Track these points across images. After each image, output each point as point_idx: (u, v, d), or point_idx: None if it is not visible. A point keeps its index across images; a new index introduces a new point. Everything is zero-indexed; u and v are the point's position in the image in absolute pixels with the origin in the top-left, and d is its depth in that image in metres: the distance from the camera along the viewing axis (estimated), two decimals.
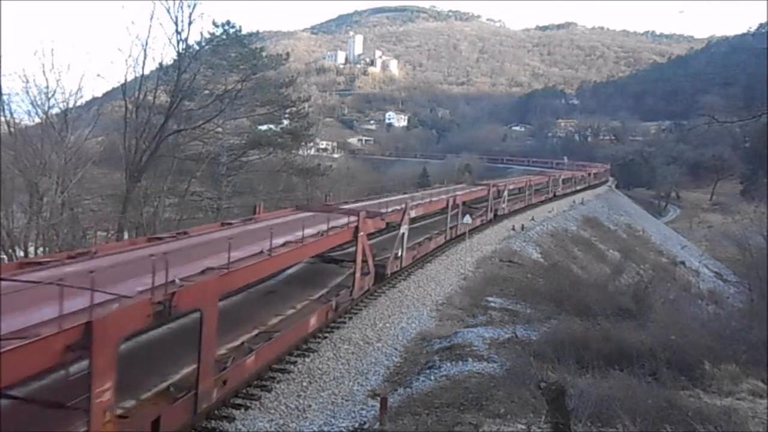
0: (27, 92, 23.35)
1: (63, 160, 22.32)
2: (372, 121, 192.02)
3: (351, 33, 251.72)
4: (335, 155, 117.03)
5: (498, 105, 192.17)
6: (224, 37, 33.66)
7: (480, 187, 35.51)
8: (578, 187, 63.48)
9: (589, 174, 73.81)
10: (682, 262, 46.38)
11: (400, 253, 19.55)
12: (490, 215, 34.35)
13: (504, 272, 24.55)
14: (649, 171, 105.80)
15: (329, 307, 14.35)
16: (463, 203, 29.78)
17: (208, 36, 33.06)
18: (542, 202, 47.88)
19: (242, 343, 10.91)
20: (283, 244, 12.31)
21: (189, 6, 27.17)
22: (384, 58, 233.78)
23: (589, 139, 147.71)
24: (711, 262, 52.35)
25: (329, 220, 15.04)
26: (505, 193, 37.68)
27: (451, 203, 26.50)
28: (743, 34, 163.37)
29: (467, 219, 26.89)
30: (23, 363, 5.84)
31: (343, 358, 13.63)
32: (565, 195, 55.95)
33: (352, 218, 15.88)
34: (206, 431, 9.65)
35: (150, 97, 26.65)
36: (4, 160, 21.52)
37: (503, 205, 36.74)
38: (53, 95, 23.44)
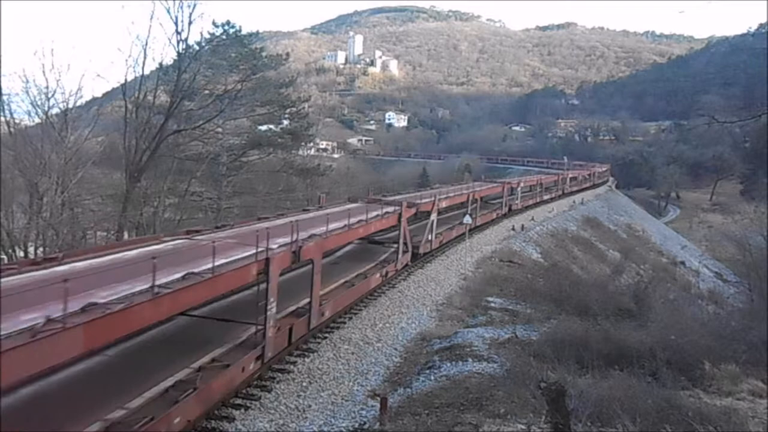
0: (27, 92, 23.47)
1: (63, 160, 22.36)
2: (372, 121, 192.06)
3: (351, 33, 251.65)
4: (335, 155, 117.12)
5: (498, 105, 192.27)
6: (224, 37, 33.61)
7: (387, 210, 19.49)
8: (545, 197, 48.85)
9: (563, 179, 56.38)
10: (682, 262, 46.45)
11: None
12: (404, 258, 20.79)
13: (504, 272, 24.54)
14: (649, 171, 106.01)
15: None
16: (356, 240, 19.02)
17: (208, 36, 33.08)
18: (492, 222, 34.98)
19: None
20: None
21: (189, 6, 27.31)
22: (384, 58, 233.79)
23: (589, 139, 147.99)
24: (711, 262, 52.42)
25: None
26: (433, 215, 23.40)
27: (274, 262, 11.16)
28: (743, 34, 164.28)
29: (467, 219, 26.69)
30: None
31: (343, 358, 13.63)
32: (526, 208, 42.88)
33: None
34: (206, 431, 9.66)
35: (150, 97, 26.66)
36: (4, 160, 21.56)
37: (430, 236, 23.16)
38: (53, 95, 23.55)
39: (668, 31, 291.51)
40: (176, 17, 25.85)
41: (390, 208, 20.28)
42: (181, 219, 28.51)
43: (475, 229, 30.53)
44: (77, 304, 7.29)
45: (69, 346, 6.99)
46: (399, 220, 20.17)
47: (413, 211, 22.12)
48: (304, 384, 11.93)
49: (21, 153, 22.56)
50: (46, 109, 23.88)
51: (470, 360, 12.79)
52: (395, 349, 14.73)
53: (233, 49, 33.83)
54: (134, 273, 8.88)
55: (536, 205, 45.77)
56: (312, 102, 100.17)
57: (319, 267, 13.51)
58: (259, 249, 10.98)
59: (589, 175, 72.40)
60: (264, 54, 36.89)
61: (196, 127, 28.64)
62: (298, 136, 38.70)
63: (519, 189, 41.08)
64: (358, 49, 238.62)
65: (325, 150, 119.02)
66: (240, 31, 34.84)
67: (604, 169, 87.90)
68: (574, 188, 60.95)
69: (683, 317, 17.13)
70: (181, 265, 9.67)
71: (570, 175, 61.09)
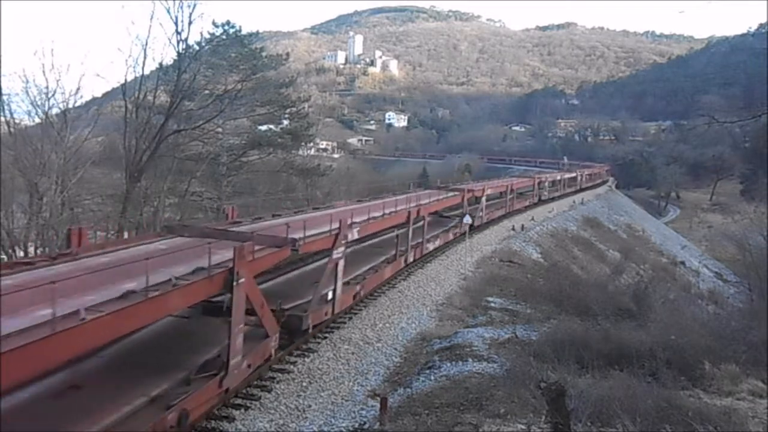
0: (27, 92, 23.36)
1: (63, 160, 22.33)
2: (372, 121, 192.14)
3: (351, 33, 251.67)
4: (335, 155, 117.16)
5: (498, 105, 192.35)
6: (224, 37, 33.64)
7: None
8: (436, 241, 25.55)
9: (473, 198, 31.12)
10: (682, 262, 46.43)
11: None
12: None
13: (504, 272, 24.54)
14: (649, 171, 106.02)
15: None
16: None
17: (208, 36, 33.10)
18: (388, 281, 19.96)
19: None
20: None
21: (189, 6, 27.15)
22: (384, 58, 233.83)
23: (589, 139, 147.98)
24: (711, 262, 52.42)
25: None
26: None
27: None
28: (743, 34, 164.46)
29: (467, 219, 26.77)
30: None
31: (343, 358, 13.63)
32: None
33: None
34: (206, 431, 9.66)
35: (150, 97, 26.61)
36: (4, 160, 21.53)
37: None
38: (53, 95, 23.45)
39: (668, 31, 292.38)
40: (176, 17, 25.77)
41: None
42: (182, 219, 28.50)
43: (476, 230, 29.87)
44: None
45: None
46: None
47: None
48: (304, 384, 11.93)
49: (21, 153, 22.51)
50: (46, 109, 23.83)
51: (470, 360, 12.78)
52: (395, 349, 14.72)
53: (233, 49, 33.86)
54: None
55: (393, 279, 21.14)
56: (312, 102, 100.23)
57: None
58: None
59: (537, 183, 46.60)
60: (264, 54, 36.94)
61: (196, 127, 28.62)
62: (298, 136, 38.72)
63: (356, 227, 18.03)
64: (358, 49, 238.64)
65: (325, 150, 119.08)
66: (240, 31, 34.94)
67: (571, 175, 60.80)
68: (498, 214, 36.30)
69: (683, 317, 17.11)
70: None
71: (489, 189, 34.43)
